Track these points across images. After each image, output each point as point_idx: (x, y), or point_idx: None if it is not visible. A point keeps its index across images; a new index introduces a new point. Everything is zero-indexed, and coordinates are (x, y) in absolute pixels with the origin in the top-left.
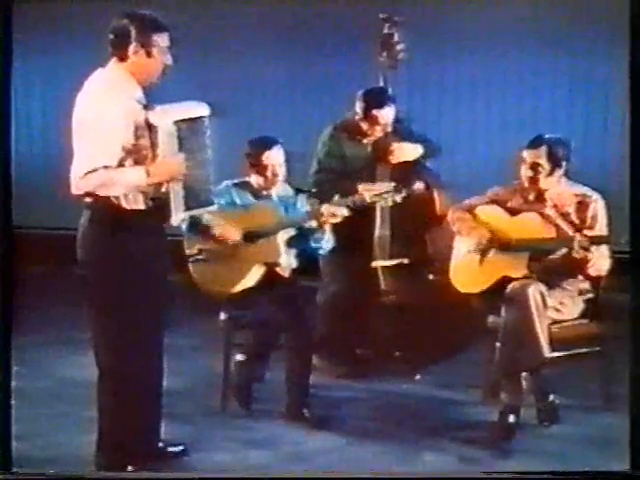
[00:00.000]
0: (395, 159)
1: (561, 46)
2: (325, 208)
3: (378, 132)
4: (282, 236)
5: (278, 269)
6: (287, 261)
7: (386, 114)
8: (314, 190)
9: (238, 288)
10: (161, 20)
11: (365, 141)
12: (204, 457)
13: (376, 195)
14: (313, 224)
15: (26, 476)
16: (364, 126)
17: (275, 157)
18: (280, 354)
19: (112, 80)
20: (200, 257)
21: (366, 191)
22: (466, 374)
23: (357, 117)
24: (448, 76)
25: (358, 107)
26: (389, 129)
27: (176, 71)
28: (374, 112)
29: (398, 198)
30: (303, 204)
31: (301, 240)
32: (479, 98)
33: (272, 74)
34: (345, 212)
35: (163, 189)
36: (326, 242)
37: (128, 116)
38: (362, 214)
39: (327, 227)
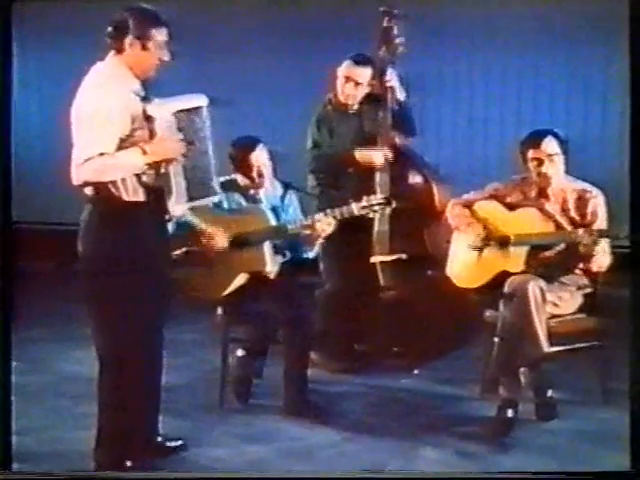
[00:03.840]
0: (388, 83)
1: (561, 41)
2: (317, 224)
3: (359, 94)
4: (268, 245)
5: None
6: (272, 268)
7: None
8: (311, 191)
9: (222, 294)
10: (160, 15)
11: (351, 112)
12: (202, 452)
13: (364, 207)
14: (302, 234)
15: (27, 475)
16: (346, 92)
17: (258, 157)
18: (278, 349)
19: (109, 72)
20: (185, 259)
21: (355, 202)
22: (464, 369)
23: (336, 90)
24: (447, 70)
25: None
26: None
27: (173, 66)
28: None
29: (387, 210)
30: (292, 200)
31: (287, 246)
32: (478, 93)
33: (270, 69)
34: (332, 228)
35: (164, 180)
36: (312, 251)
37: (124, 107)
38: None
39: (317, 242)
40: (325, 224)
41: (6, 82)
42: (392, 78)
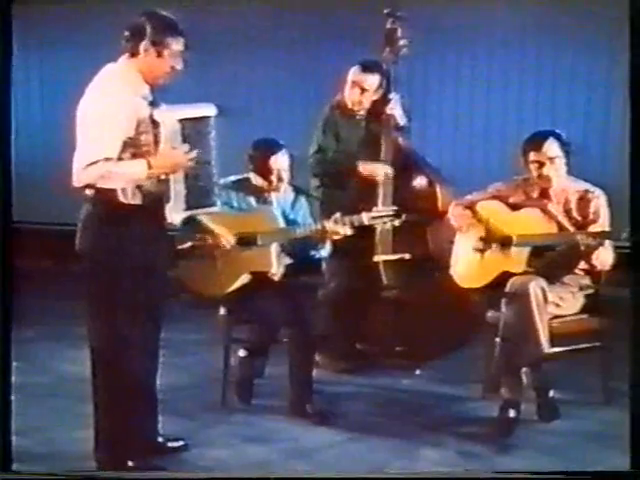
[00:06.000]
0: (390, 110)
1: (562, 41)
2: (329, 226)
3: (366, 100)
4: (275, 246)
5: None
6: (277, 269)
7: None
8: (314, 192)
9: (225, 292)
10: (179, 24)
11: (358, 117)
12: (204, 452)
13: (374, 218)
14: (312, 238)
15: (27, 475)
16: (352, 98)
17: (282, 162)
18: (282, 349)
19: (119, 74)
20: (190, 253)
21: (365, 212)
22: (466, 369)
23: (344, 94)
24: (449, 71)
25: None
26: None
27: (182, 71)
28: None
29: (396, 222)
30: (302, 205)
31: (297, 247)
32: (480, 93)
33: (275, 73)
34: (349, 231)
35: (164, 186)
36: (324, 251)
37: (131, 111)
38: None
39: (328, 241)
40: (340, 228)
41: (6, 82)
42: (394, 106)
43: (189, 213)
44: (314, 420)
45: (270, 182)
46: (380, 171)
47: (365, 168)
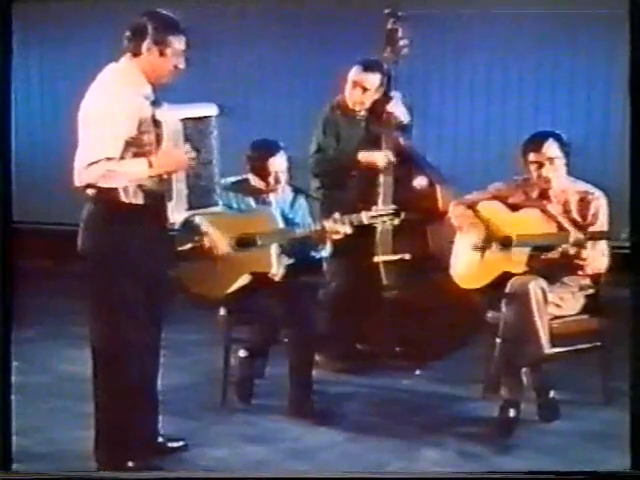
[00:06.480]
0: (391, 108)
1: (562, 40)
2: (329, 226)
3: (367, 100)
4: (275, 247)
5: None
6: (278, 270)
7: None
8: (314, 193)
9: (225, 293)
10: (180, 23)
11: (358, 117)
12: (204, 452)
13: (373, 217)
14: (312, 238)
15: (27, 475)
16: (353, 97)
17: (279, 164)
18: (282, 349)
19: (122, 74)
20: (190, 255)
21: (364, 211)
22: (466, 369)
23: (345, 94)
24: (449, 71)
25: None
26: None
27: (184, 70)
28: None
29: (396, 221)
30: (301, 205)
31: (297, 247)
32: (480, 93)
33: (276, 72)
34: (349, 230)
35: (166, 185)
36: (325, 251)
37: (133, 110)
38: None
39: (328, 241)
40: (340, 227)
41: (6, 81)
42: (396, 104)
43: (191, 213)
44: (314, 420)
45: (268, 183)
46: (380, 159)
47: (365, 156)
